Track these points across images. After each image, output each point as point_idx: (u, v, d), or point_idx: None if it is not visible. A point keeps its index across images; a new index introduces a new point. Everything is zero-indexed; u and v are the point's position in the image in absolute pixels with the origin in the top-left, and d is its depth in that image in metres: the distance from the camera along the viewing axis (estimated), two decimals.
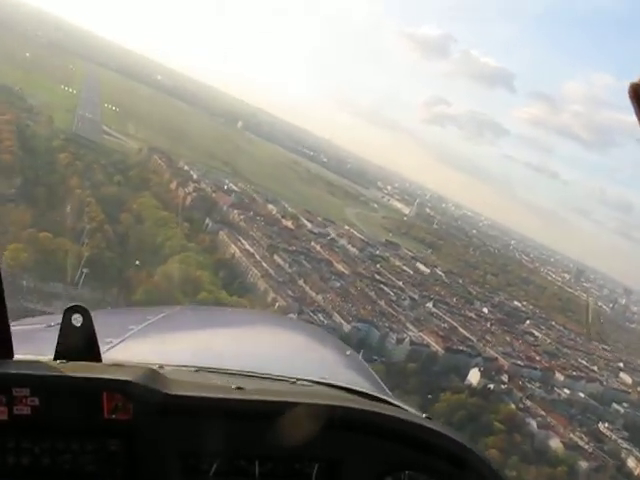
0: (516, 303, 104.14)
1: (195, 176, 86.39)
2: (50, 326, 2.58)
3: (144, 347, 2.63)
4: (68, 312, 1.90)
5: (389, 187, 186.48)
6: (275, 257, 68.41)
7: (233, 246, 65.37)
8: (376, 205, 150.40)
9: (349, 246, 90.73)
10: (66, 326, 1.90)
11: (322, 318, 58.39)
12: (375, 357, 56.08)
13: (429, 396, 53.22)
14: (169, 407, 1.81)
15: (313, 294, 63.65)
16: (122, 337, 2.53)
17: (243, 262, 63.18)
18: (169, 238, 55.53)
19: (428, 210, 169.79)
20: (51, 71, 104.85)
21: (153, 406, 1.79)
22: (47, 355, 1.91)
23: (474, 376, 63.01)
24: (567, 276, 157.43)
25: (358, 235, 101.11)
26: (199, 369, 2.14)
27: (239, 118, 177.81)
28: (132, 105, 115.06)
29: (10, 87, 78.10)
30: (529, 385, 68.07)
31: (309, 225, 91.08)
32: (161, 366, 2.04)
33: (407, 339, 64.01)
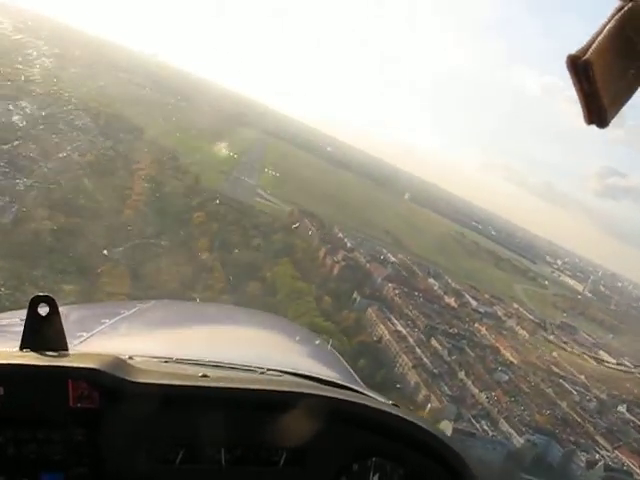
0: None
1: (349, 244, 75.58)
2: (21, 320, 2.21)
3: (115, 340, 2.51)
4: (34, 301, 1.79)
5: (559, 262, 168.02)
6: (432, 341, 54.63)
7: (382, 326, 52.68)
8: (546, 281, 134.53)
9: (518, 328, 74.83)
10: (32, 315, 1.80)
11: (486, 426, 43.75)
12: None
13: None
14: (135, 395, 1.74)
15: (475, 390, 48.75)
16: (93, 331, 2.42)
17: (392, 347, 50.14)
18: (302, 314, 43.88)
19: (602, 288, 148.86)
20: (217, 137, 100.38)
21: (119, 394, 1.73)
22: (13, 344, 1.82)
23: None
24: None
25: (528, 315, 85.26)
26: (168, 360, 2.07)
27: (407, 190, 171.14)
28: (294, 172, 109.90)
29: (165, 147, 72.04)
30: None
31: (474, 303, 76.71)
32: (130, 357, 1.96)
33: (601, 462, 46.92)
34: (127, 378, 1.75)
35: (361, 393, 2.05)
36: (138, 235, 44.40)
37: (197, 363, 2.07)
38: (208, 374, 1.87)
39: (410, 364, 48.21)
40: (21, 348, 1.80)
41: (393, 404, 2.03)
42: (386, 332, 52.14)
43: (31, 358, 1.75)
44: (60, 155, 46.59)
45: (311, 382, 2.08)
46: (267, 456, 1.87)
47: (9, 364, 1.70)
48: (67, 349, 1.83)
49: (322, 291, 52.88)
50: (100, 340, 2.33)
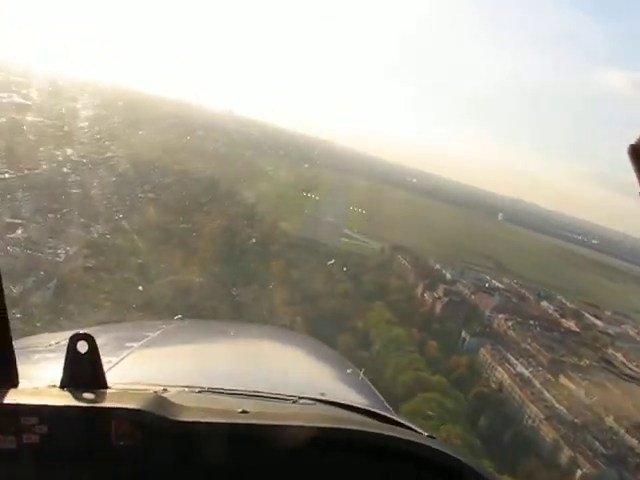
0: None
1: (448, 276, 66.54)
2: (50, 346, 2.53)
3: (145, 367, 2.50)
4: (73, 339, 1.82)
5: None
6: (562, 379, 44.32)
7: (499, 369, 43.17)
8: None
9: None
10: (72, 353, 1.83)
11: None
12: None
13: None
14: (176, 433, 1.75)
15: (636, 442, 37.65)
16: (121, 356, 2.44)
17: (515, 395, 40.30)
18: (404, 368, 35.38)
19: None
20: (295, 180, 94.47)
21: (161, 433, 1.74)
22: (51, 380, 1.84)
23: None
24: None
25: None
26: (202, 390, 2.08)
27: (499, 210, 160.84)
28: (381, 207, 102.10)
29: (239, 196, 66.00)
30: None
31: (598, 323, 65.03)
32: (165, 389, 2.00)
33: None
34: (169, 417, 1.74)
35: (395, 422, 2.04)
36: (207, 297, 37.61)
37: (231, 393, 2.07)
38: (247, 409, 1.85)
39: (542, 415, 38.13)
40: (61, 387, 1.81)
41: (429, 436, 1.98)
42: (505, 376, 42.52)
43: (74, 398, 1.75)
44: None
45: (345, 411, 2.07)
46: None
47: (54, 405, 1.70)
48: (107, 387, 1.85)
49: (425, 335, 44.42)
50: (130, 367, 2.33)
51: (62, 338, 1.94)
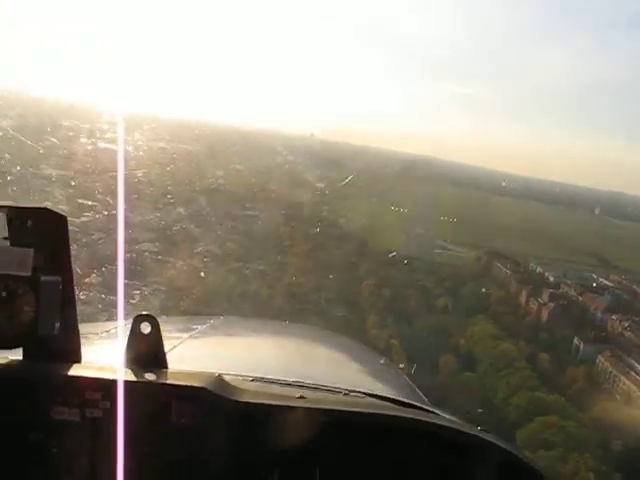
0: None
1: (552, 278, 61.69)
2: (109, 332, 2.61)
3: (199, 354, 2.53)
4: (137, 320, 1.87)
5: None
6: None
7: (623, 379, 38.32)
8: None
9: None
10: (135, 333, 1.87)
11: None
12: None
13: None
14: (236, 413, 1.78)
15: None
16: (187, 344, 2.53)
17: None
18: (516, 389, 31.79)
19: None
20: (383, 196, 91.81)
21: (221, 412, 1.77)
22: (115, 358, 1.88)
23: None
24: None
25: None
26: (255, 379, 2.08)
27: (594, 204, 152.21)
28: (473, 215, 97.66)
29: (326, 217, 63.85)
30: None
31: None
32: (219, 375, 1.95)
33: None
34: (230, 397, 1.78)
35: (440, 415, 2.05)
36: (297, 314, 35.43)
37: (284, 383, 2.07)
38: (305, 395, 1.88)
39: None
40: (125, 364, 1.84)
41: (482, 429, 1.96)
42: (632, 386, 37.67)
43: (136, 375, 1.78)
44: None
45: (393, 405, 2.07)
46: (359, 477, 1.85)
47: (117, 380, 1.73)
48: (167, 367, 1.87)
49: (534, 347, 40.42)
50: (195, 355, 2.40)
51: (126, 323, 1.92)
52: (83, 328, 2.05)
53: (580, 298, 54.97)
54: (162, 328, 2.75)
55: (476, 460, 1.83)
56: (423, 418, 1.87)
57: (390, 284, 46.53)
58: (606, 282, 65.05)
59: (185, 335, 2.70)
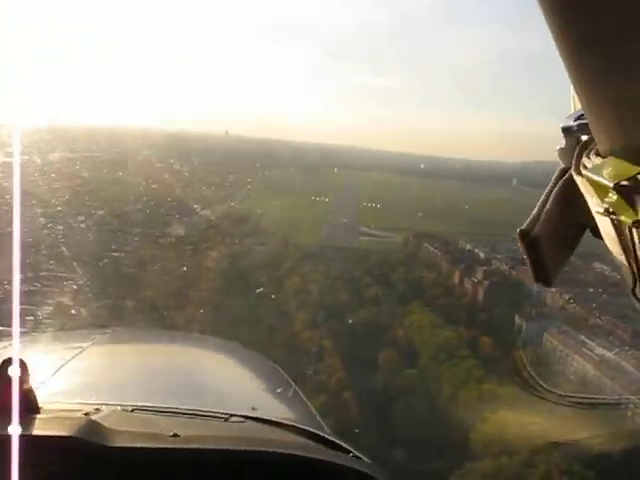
0: None
1: (482, 255, 58.65)
2: None
3: (77, 383, 2.45)
4: (5, 364, 1.80)
5: None
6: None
7: (577, 358, 34.78)
8: None
9: None
10: (2, 377, 1.80)
11: None
12: None
13: None
14: (109, 458, 1.74)
15: None
16: (54, 370, 2.43)
17: (607, 387, 31.69)
18: (463, 382, 27.80)
19: None
20: (302, 188, 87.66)
21: (93, 458, 1.74)
22: None
23: None
24: None
25: None
26: (135, 408, 2.04)
27: (512, 177, 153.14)
28: (395, 198, 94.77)
29: (244, 215, 58.79)
30: None
31: None
32: (97, 408, 1.96)
33: None
34: (100, 442, 1.72)
35: (323, 438, 2.03)
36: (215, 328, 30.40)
37: (165, 412, 2.02)
38: (177, 432, 1.82)
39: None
40: None
41: (354, 456, 1.99)
42: (587, 365, 34.15)
43: (6, 424, 1.70)
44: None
45: (275, 429, 2.05)
46: None
47: None
48: (38, 411, 1.81)
49: (475, 331, 36.57)
50: (63, 383, 2.27)
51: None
52: None
53: (513, 272, 52.01)
54: (45, 349, 2.90)
55: None
56: (293, 451, 1.81)
57: (315, 279, 42.04)
58: None
59: (68, 356, 2.56)
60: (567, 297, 44.66)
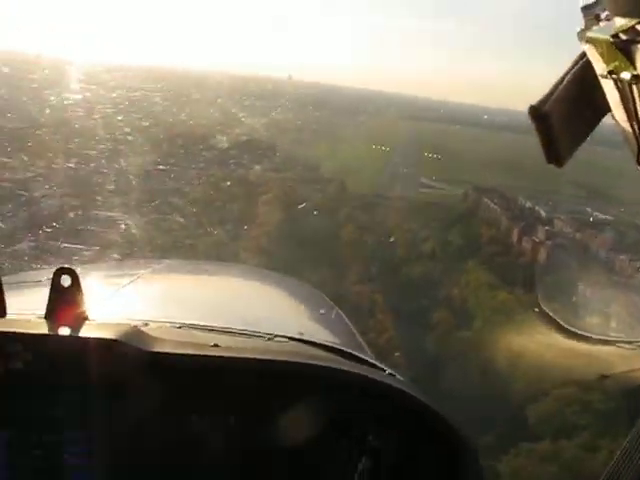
0: None
1: (543, 213, 55.87)
2: (39, 282, 2.51)
3: (131, 304, 2.52)
4: (57, 273, 1.86)
5: None
6: None
7: None
8: None
9: None
10: (55, 287, 1.87)
11: None
12: None
13: None
14: (151, 364, 1.80)
15: None
16: (111, 294, 2.50)
17: None
18: (523, 349, 26.05)
19: None
20: (363, 137, 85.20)
21: (136, 363, 1.79)
22: (37, 311, 1.90)
23: None
24: None
25: None
26: (182, 325, 2.11)
27: None
28: (458, 150, 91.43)
29: (301, 160, 57.26)
30: None
31: None
32: (146, 323, 2.03)
33: None
34: (143, 348, 1.79)
35: (366, 362, 2.03)
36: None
37: (209, 329, 2.07)
38: (218, 343, 1.88)
39: None
40: (45, 317, 1.84)
41: (390, 374, 2.00)
42: None
43: (55, 328, 1.79)
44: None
45: (318, 350, 2.06)
46: (271, 424, 1.84)
47: (35, 334, 1.76)
48: (87, 319, 1.87)
49: (534, 296, 34.64)
50: (117, 305, 2.35)
51: (49, 274, 1.87)
52: (7, 279, 1.97)
53: (577, 234, 49.33)
54: (103, 274, 3.09)
55: (386, 409, 1.80)
56: (333, 365, 1.85)
57: (370, 229, 40.61)
58: (604, 216, 59.36)
59: (125, 281, 2.62)
60: (638, 265, 41.88)
